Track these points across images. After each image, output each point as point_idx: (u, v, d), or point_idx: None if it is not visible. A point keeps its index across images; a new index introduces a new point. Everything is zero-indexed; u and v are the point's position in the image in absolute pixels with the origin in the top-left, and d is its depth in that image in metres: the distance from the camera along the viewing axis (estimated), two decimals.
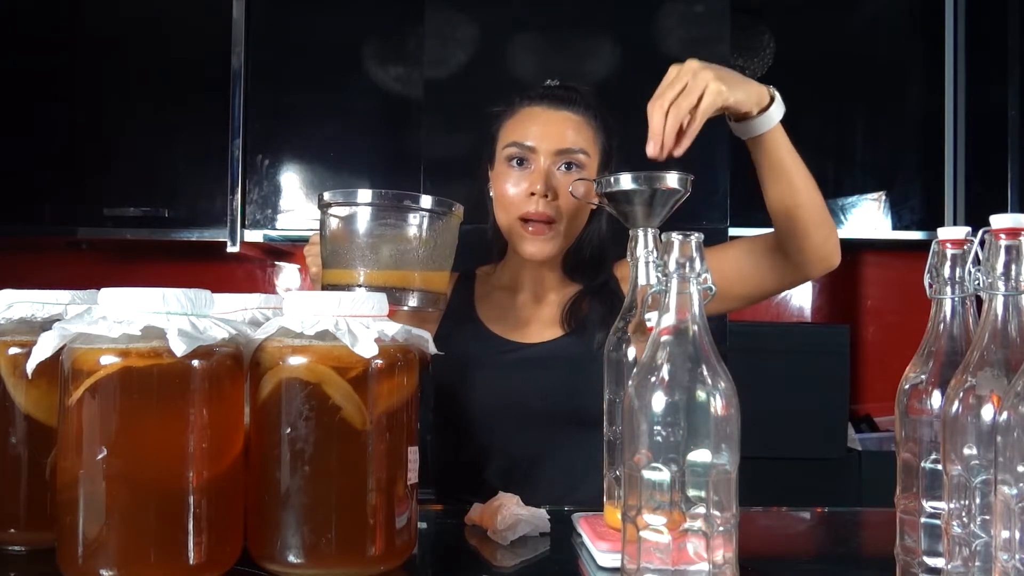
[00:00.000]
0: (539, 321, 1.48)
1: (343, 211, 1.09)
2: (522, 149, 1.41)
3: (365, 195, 1.10)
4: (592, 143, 1.43)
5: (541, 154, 1.40)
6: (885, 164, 2.63)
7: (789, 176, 1.27)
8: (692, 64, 1.14)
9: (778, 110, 1.22)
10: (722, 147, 2.25)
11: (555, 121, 1.42)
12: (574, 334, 1.45)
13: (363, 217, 1.09)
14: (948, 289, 0.80)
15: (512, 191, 1.41)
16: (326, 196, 1.10)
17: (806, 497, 2.19)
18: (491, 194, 1.48)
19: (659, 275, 0.81)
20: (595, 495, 1.35)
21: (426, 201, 1.09)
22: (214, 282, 2.33)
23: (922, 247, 1.91)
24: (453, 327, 1.48)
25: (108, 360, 0.80)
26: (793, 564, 1.08)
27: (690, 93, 1.12)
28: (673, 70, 1.14)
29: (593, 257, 1.50)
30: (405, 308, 1.08)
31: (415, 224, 1.09)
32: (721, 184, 2.24)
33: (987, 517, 0.70)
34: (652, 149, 1.11)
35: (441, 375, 1.46)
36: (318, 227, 1.13)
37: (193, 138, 2.55)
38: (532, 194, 1.39)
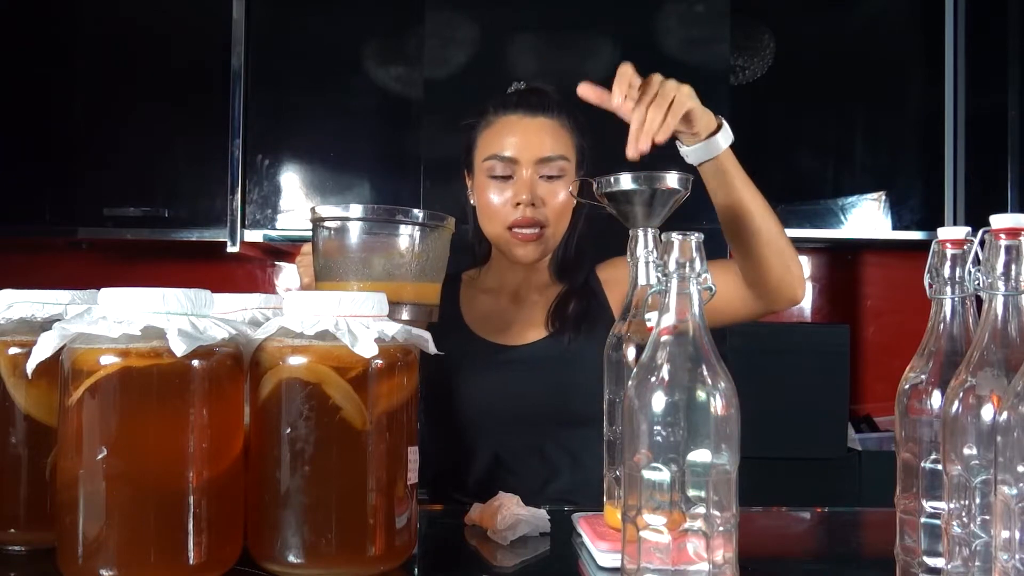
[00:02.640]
0: (522, 322, 1.49)
1: (335, 225, 1.09)
2: (503, 161, 1.41)
3: (357, 210, 1.10)
4: (570, 147, 1.44)
5: (523, 165, 1.40)
6: (885, 164, 2.63)
7: (742, 202, 1.25)
8: (656, 76, 1.17)
9: (725, 137, 1.23)
10: None
11: (533, 129, 1.42)
12: (558, 335, 1.46)
13: (355, 231, 1.09)
14: (948, 289, 0.80)
15: (497, 202, 1.41)
16: (318, 211, 1.11)
17: (806, 497, 2.19)
18: (472, 202, 1.49)
19: (659, 275, 0.81)
20: (583, 494, 1.35)
21: (418, 215, 1.09)
22: (214, 282, 2.32)
23: (922, 247, 1.91)
24: (439, 331, 1.48)
25: (108, 360, 0.80)
26: (793, 564, 1.08)
27: (665, 96, 1.14)
28: (636, 78, 1.16)
29: (576, 256, 1.51)
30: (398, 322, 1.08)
31: (407, 237, 1.09)
32: None
33: (987, 517, 0.70)
34: (633, 151, 1.12)
35: (428, 378, 1.46)
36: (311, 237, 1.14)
37: (193, 138, 2.55)
38: (518, 204, 1.39)
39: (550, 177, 1.41)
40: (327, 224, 1.10)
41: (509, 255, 1.45)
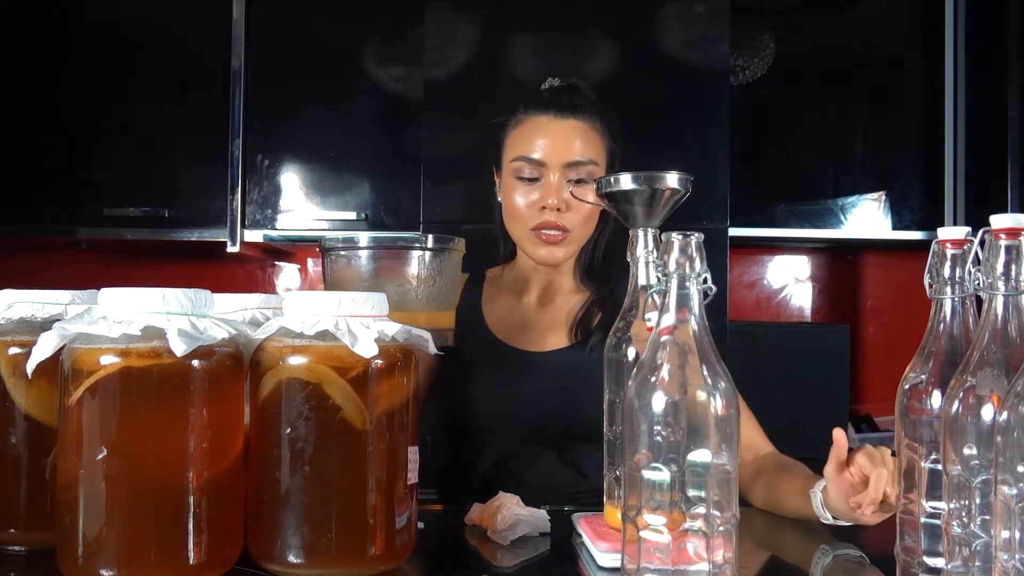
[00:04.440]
0: (545, 327, 1.47)
1: (343, 255, 1.09)
2: (531, 164, 1.39)
3: (364, 239, 1.10)
4: (600, 150, 1.41)
5: (551, 168, 1.38)
6: (885, 164, 2.63)
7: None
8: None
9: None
10: (722, 147, 2.26)
11: (563, 132, 1.39)
12: (581, 346, 1.43)
13: (363, 261, 1.08)
14: (948, 289, 0.80)
15: (523, 204, 1.40)
16: (326, 242, 1.10)
17: None
18: (499, 198, 1.47)
19: (659, 275, 0.81)
20: (588, 503, 1.34)
21: (425, 241, 1.09)
22: (214, 282, 2.33)
23: (922, 247, 1.91)
24: (459, 330, 1.47)
25: (108, 360, 0.80)
26: (793, 565, 1.08)
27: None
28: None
29: (604, 261, 1.48)
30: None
31: (415, 264, 1.08)
32: (721, 184, 2.24)
33: (987, 517, 0.70)
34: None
35: (445, 378, 1.45)
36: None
37: (193, 138, 2.55)
38: (543, 208, 1.38)
39: (578, 181, 1.39)
40: (335, 254, 1.09)
41: (531, 255, 1.43)
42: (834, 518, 1.09)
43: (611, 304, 1.45)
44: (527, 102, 1.43)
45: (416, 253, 1.08)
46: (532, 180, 1.39)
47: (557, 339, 1.45)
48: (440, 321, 1.11)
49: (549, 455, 1.40)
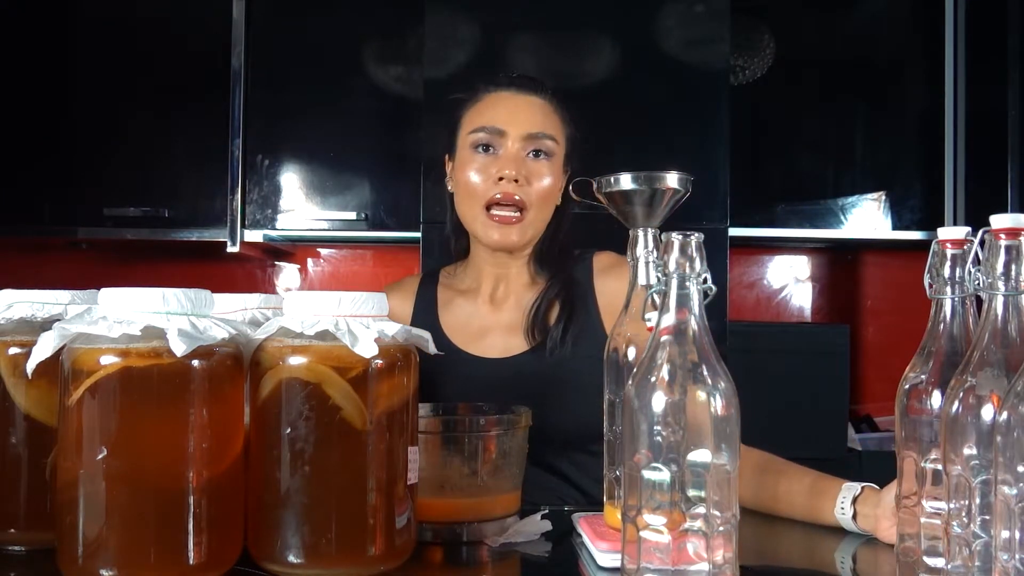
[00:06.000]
0: (502, 330, 1.42)
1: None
2: (491, 133, 1.37)
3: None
4: (559, 130, 1.41)
5: (510, 138, 1.36)
6: (885, 164, 2.63)
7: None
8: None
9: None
10: (722, 147, 2.26)
11: (524, 106, 1.39)
12: (540, 348, 1.38)
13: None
14: (948, 289, 0.80)
15: (479, 177, 1.36)
16: None
17: None
18: (449, 188, 1.44)
19: (659, 275, 0.81)
20: (575, 508, 1.33)
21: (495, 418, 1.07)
22: (214, 282, 2.32)
23: (922, 247, 1.91)
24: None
25: (108, 360, 0.80)
26: (793, 564, 1.08)
27: None
28: None
29: (560, 253, 1.45)
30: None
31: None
32: (721, 184, 2.24)
33: (987, 517, 0.70)
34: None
35: None
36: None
37: (193, 138, 2.55)
38: (501, 179, 1.34)
39: (536, 154, 1.37)
40: None
41: (484, 240, 1.38)
42: (852, 520, 1.07)
43: (565, 298, 1.41)
44: (487, 81, 1.43)
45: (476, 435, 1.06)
46: (490, 152, 1.37)
47: (518, 342, 1.40)
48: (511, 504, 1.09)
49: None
